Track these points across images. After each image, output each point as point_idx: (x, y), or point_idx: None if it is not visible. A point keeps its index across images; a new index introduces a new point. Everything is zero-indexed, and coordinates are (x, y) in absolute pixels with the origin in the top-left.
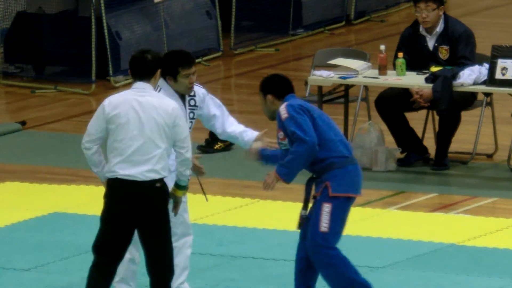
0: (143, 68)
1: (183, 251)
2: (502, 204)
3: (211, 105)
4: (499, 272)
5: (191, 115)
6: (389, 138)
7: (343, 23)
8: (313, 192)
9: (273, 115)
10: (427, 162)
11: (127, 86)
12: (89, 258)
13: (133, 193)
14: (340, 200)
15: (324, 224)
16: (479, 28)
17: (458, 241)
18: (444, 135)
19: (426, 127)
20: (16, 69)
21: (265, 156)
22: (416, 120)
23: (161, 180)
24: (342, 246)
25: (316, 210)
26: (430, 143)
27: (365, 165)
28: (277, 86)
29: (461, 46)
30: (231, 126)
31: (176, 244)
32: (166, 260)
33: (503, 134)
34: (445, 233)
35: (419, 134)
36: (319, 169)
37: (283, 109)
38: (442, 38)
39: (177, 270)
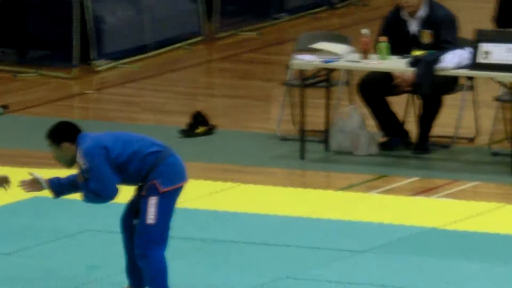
0: None
1: None
2: (483, 188)
3: None
4: (480, 256)
5: None
6: (371, 122)
7: (326, 7)
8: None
9: (73, 160)
10: (409, 146)
11: (110, 70)
12: (70, 242)
13: None
14: (169, 193)
15: (151, 216)
16: (462, 12)
17: (440, 225)
18: (426, 119)
19: (408, 111)
20: None
21: (56, 187)
22: (398, 104)
23: None
24: (325, 230)
25: (143, 205)
26: (412, 127)
27: (347, 149)
28: (67, 132)
29: (444, 30)
30: None
31: None
32: None
33: (485, 118)
34: (427, 217)
35: (401, 118)
36: (141, 178)
37: (80, 159)
38: (425, 22)
39: None
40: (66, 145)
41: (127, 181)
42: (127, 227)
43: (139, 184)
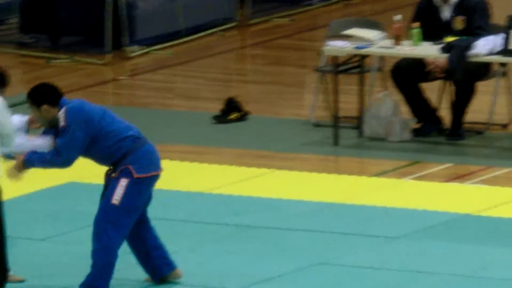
0: None
1: None
2: None
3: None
4: None
5: None
6: (404, 108)
7: None
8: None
9: (52, 123)
10: (442, 132)
11: (142, 56)
12: None
13: None
14: (142, 180)
15: (117, 197)
16: None
17: (474, 211)
18: (459, 105)
19: (441, 98)
20: (31, 39)
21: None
22: (432, 90)
23: None
24: (359, 216)
25: (112, 185)
26: (445, 113)
27: (380, 135)
28: (48, 95)
29: (476, 16)
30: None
31: None
32: None
33: None
34: (461, 203)
35: (435, 105)
36: (116, 159)
37: (62, 115)
38: (457, 8)
39: None
40: (45, 107)
41: (99, 153)
42: None
43: (110, 165)
